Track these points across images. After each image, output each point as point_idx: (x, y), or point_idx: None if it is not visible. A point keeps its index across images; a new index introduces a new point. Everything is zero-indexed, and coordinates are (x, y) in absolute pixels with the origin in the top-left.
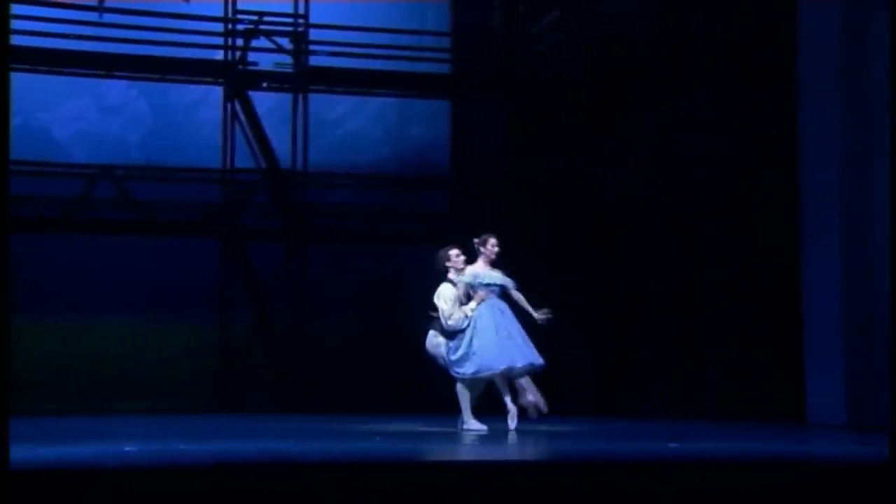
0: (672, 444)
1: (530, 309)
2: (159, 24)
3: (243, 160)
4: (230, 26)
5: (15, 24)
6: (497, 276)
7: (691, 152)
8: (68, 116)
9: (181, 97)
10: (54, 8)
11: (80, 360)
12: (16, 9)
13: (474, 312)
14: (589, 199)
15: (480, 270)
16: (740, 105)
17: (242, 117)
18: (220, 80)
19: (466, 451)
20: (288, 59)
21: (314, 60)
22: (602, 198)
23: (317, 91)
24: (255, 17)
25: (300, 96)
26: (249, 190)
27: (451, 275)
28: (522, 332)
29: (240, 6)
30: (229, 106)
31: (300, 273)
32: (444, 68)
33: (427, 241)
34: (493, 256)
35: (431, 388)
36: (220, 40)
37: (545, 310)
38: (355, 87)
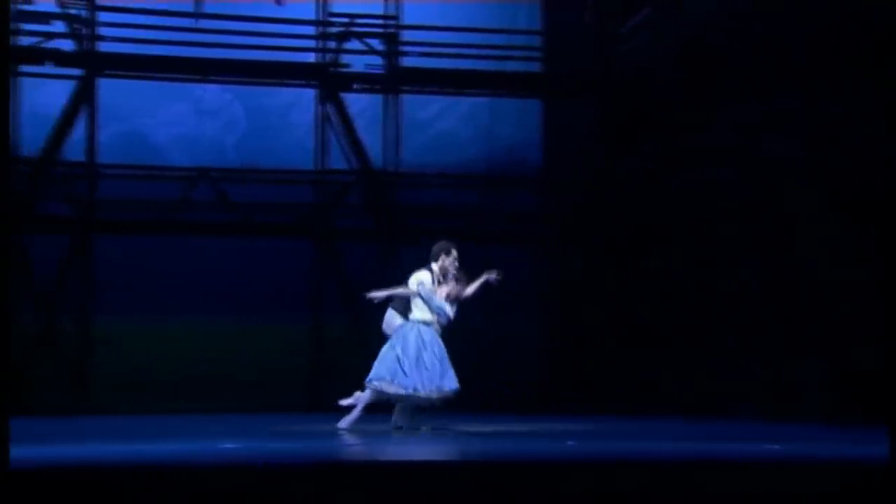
0: (775, 446)
1: (479, 282)
2: (253, 29)
3: (336, 161)
4: (323, 29)
5: (115, 31)
6: (450, 311)
7: (779, 149)
8: (167, 121)
9: (275, 100)
10: (153, 16)
11: (178, 360)
12: (116, 17)
13: (405, 330)
14: (678, 197)
15: (442, 296)
16: (829, 101)
17: (335, 119)
18: (313, 83)
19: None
20: (380, 61)
21: (406, 61)
22: (692, 195)
23: (408, 92)
24: (347, 20)
25: (392, 97)
26: (342, 191)
27: (430, 269)
28: (442, 357)
29: (332, 9)
30: (322, 108)
31: (393, 273)
32: (535, 67)
33: (518, 241)
34: (450, 271)
35: (511, 387)
36: (312, 43)
37: (494, 271)
38: (447, 87)
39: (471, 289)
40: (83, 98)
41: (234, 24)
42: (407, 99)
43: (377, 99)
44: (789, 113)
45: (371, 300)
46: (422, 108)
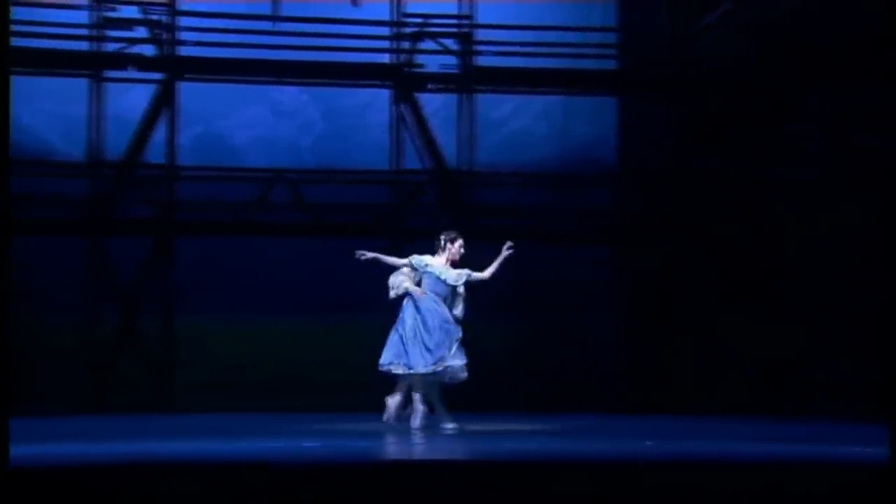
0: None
1: (500, 259)
2: (329, 30)
3: (411, 161)
4: (397, 30)
5: (194, 36)
6: (451, 276)
7: (864, 145)
8: (245, 123)
9: (350, 101)
10: (231, 19)
11: (255, 359)
12: (195, 21)
13: (403, 309)
14: (757, 195)
15: (437, 264)
16: None
17: (410, 119)
18: (388, 83)
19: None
20: (454, 60)
21: (480, 60)
22: (771, 194)
23: (482, 91)
24: (421, 20)
25: (466, 96)
26: (417, 190)
27: (437, 256)
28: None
29: (407, 9)
30: (397, 108)
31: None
32: (610, 65)
33: (593, 240)
34: (457, 258)
35: (588, 386)
36: (387, 44)
37: (508, 244)
38: (521, 85)
39: (491, 269)
40: (164, 102)
41: (310, 26)
42: (481, 98)
43: (451, 98)
44: (877, 108)
45: (359, 257)
46: (496, 107)
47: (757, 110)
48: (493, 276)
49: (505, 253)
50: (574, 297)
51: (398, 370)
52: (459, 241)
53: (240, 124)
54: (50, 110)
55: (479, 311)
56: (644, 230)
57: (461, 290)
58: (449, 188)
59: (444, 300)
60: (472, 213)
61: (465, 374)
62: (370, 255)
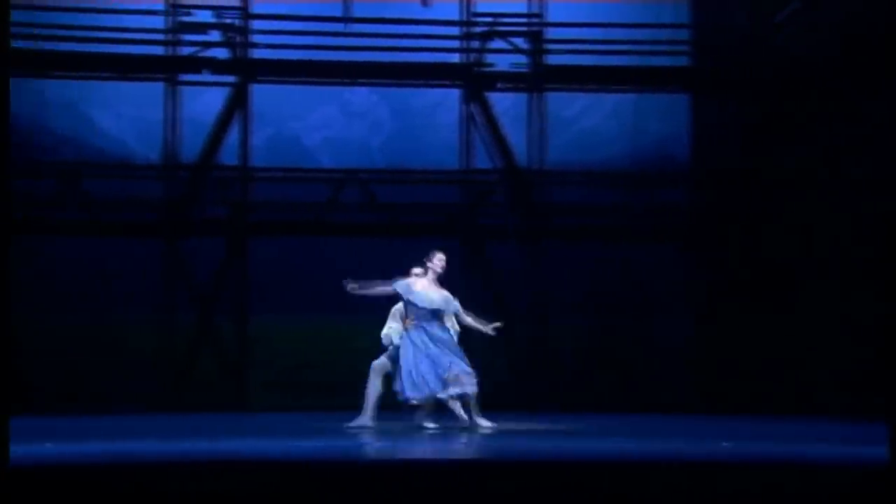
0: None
1: (479, 326)
2: (400, 31)
3: (481, 161)
4: (467, 29)
5: (267, 38)
6: (435, 300)
7: None
8: (316, 124)
9: (420, 101)
10: (303, 21)
11: (328, 359)
12: (267, 24)
13: (402, 338)
14: (834, 193)
15: (420, 288)
16: None
17: (480, 118)
18: (458, 83)
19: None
20: (524, 59)
21: (550, 59)
22: (850, 192)
23: (553, 89)
24: (491, 19)
25: (536, 95)
26: (488, 190)
27: (421, 273)
28: (431, 360)
29: (476, 9)
30: (467, 107)
31: (539, 271)
32: (682, 62)
33: (666, 238)
34: (440, 271)
35: (660, 385)
36: (457, 43)
37: (496, 324)
38: (592, 83)
39: (469, 321)
40: (237, 104)
41: (381, 27)
42: (551, 97)
43: (521, 97)
44: None
45: (347, 288)
46: (566, 106)
47: (831, 109)
48: (465, 326)
49: (488, 328)
50: (646, 296)
51: (421, 397)
52: (438, 255)
53: (311, 125)
54: (128, 114)
55: (552, 310)
56: (717, 228)
57: (451, 309)
58: (519, 187)
59: (436, 317)
60: (543, 211)
61: (473, 388)
62: (356, 285)
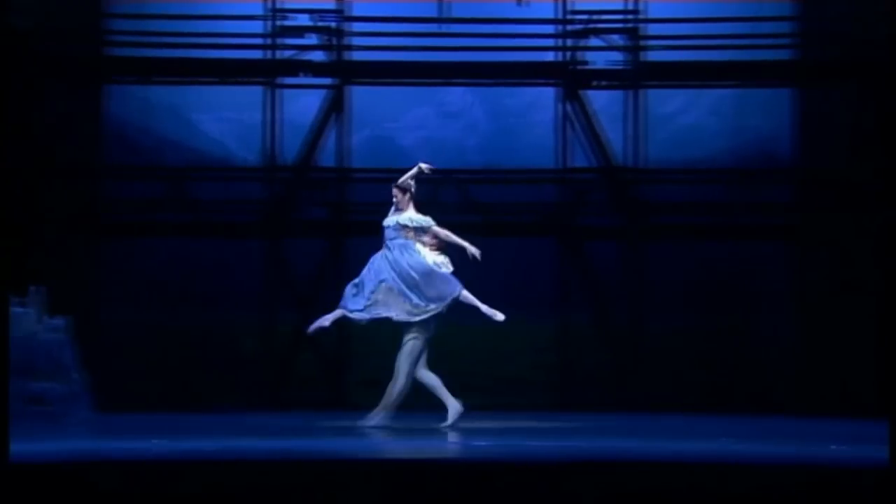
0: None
1: (463, 242)
2: (495, 30)
3: (579, 159)
4: (563, 27)
5: (364, 41)
6: (422, 219)
7: None
8: (412, 125)
9: (516, 100)
10: (399, 23)
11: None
12: (364, 26)
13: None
14: None
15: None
16: None
17: (577, 116)
18: (555, 81)
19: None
20: (621, 56)
21: (648, 56)
22: None
23: (651, 86)
24: (587, 16)
25: (634, 92)
26: (585, 189)
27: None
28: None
29: (573, 6)
30: (563, 106)
31: (639, 270)
32: (785, 55)
33: (770, 235)
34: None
35: (764, 384)
36: (553, 41)
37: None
38: (691, 80)
39: (454, 239)
40: (335, 106)
41: (476, 26)
42: (649, 94)
43: (619, 95)
44: None
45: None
46: (665, 103)
47: None
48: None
49: (469, 247)
50: (748, 295)
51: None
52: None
53: (407, 126)
54: (229, 117)
55: (652, 309)
56: (821, 226)
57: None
58: (617, 185)
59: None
60: (643, 210)
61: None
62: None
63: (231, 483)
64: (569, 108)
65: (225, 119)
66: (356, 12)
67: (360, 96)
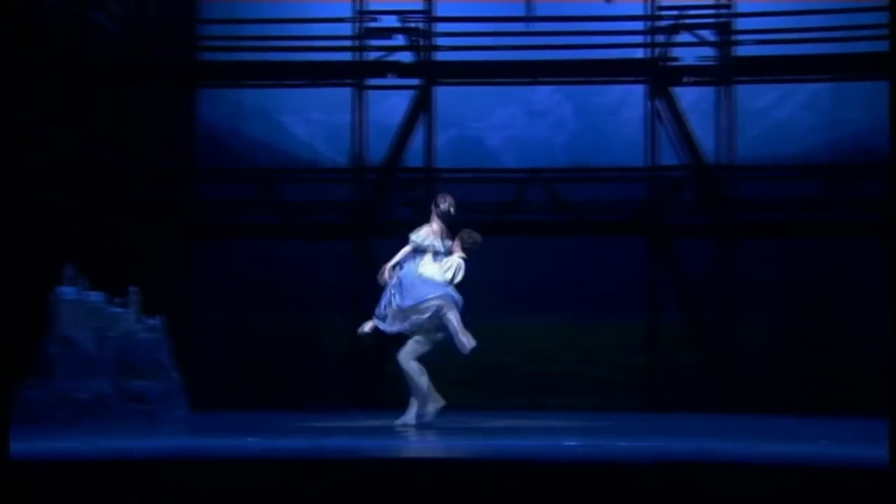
0: None
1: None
2: (582, 28)
3: (668, 157)
4: (652, 23)
5: (450, 41)
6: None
7: None
8: (499, 124)
9: (604, 98)
10: (486, 23)
11: (512, 358)
12: (450, 27)
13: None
14: None
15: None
16: None
17: (666, 114)
18: (643, 79)
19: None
20: (712, 52)
21: (740, 50)
22: None
23: (743, 82)
24: (676, 12)
25: (725, 88)
26: (675, 187)
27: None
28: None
29: (661, 2)
30: (652, 103)
31: (730, 269)
32: (882, 47)
33: (867, 232)
34: (447, 215)
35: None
36: (641, 38)
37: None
38: (784, 74)
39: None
40: (421, 106)
41: (563, 24)
42: (741, 89)
43: (709, 91)
44: None
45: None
46: (757, 98)
47: None
48: None
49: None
50: (844, 293)
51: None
52: (439, 197)
53: (494, 125)
54: (317, 119)
55: (744, 308)
56: None
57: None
58: (708, 183)
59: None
60: (734, 208)
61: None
62: (388, 266)
63: (323, 481)
64: (658, 104)
65: (314, 121)
66: (442, 13)
67: (447, 96)
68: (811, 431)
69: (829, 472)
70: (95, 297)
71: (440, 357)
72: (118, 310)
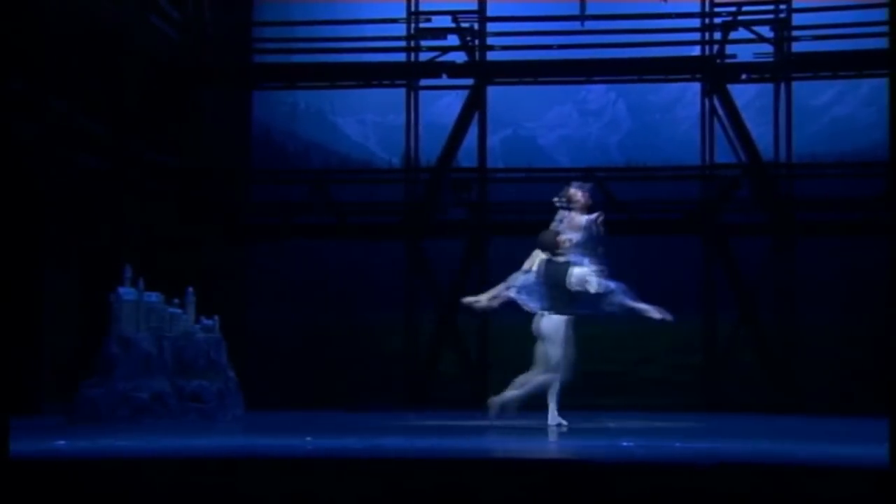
0: None
1: None
2: (637, 26)
3: (724, 155)
4: (708, 21)
5: (503, 41)
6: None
7: None
8: (552, 123)
9: (658, 96)
10: (539, 21)
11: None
12: (503, 26)
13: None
14: None
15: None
16: None
17: (722, 111)
18: (698, 76)
19: None
20: (769, 48)
21: (797, 47)
22: None
23: (800, 78)
24: (733, 9)
25: (782, 85)
26: (731, 185)
27: (561, 258)
28: None
29: None
30: (708, 101)
31: (787, 267)
32: None
33: None
34: (583, 207)
35: None
36: (697, 36)
37: None
38: (843, 70)
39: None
40: (474, 106)
41: (617, 23)
42: (798, 86)
43: (766, 88)
44: None
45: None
46: (815, 95)
47: None
48: None
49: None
50: (866, 293)
51: None
52: (572, 189)
53: (547, 125)
54: (370, 120)
55: (802, 307)
56: None
57: None
58: (764, 181)
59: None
60: (791, 206)
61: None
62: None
63: (379, 481)
64: (713, 102)
65: (367, 122)
66: (495, 12)
67: (500, 96)
68: (871, 432)
69: (829, 472)
70: (153, 297)
71: (487, 358)
72: (175, 310)
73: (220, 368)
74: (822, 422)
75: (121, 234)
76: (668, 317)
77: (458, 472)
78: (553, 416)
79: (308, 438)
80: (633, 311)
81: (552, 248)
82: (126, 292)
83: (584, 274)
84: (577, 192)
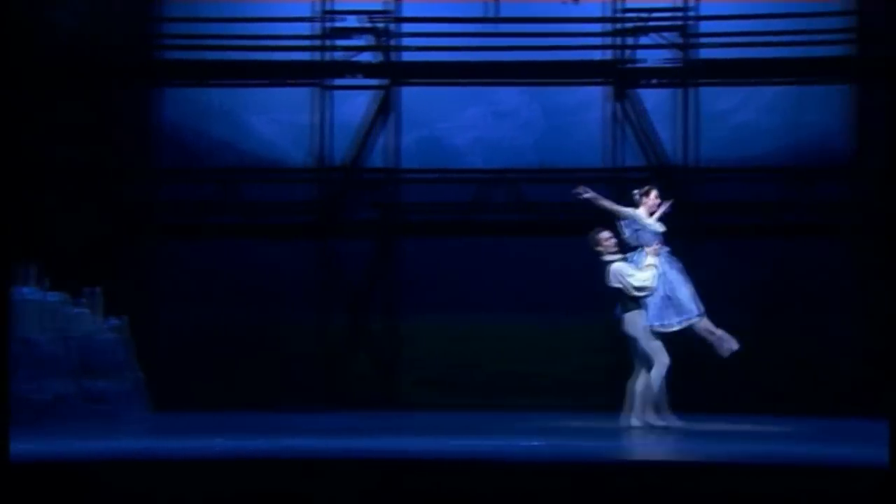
0: None
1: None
2: (547, 30)
3: (630, 158)
4: (616, 25)
5: (415, 41)
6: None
7: None
8: (465, 125)
9: (569, 98)
10: (450, 23)
11: (476, 358)
12: (416, 27)
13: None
14: None
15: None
16: None
17: (630, 115)
18: (607, 80)
19: None
20: (675, 54)
21: (703, 53)
22: None
23: (706, 84)
24: (644, 14)
25: (687, 91)
26: (636, 188)
27: (605, 257)
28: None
29: (623, 4)
30: (617, 105)
31: (695, 269)
32: (842, 51)
33: (828, 233)
34: (655, 209)
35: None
36: (607, 40)
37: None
38: (747, 77)
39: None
40: (385, 107)
41: (528, 25)
42: (704, 91)
43: (672, 93)
44: None
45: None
46: (719, 101)
47: None
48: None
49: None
50: (808, 295)
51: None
52: (655, 192)
53: (460, 126)
54: (281, 119)
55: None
56: (882, 223)
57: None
58: (670, 184)
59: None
60: (696, 209)
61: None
62: (590, 194)
63: (289, 482)
64: (620, 106)
65: (277, 121)
66: (405, 13)
67: (413, 97)
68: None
69: (828, 472)
70: (55, 297)
71: (399, 357)
72: (79, 310)
73: (123, 369)
74: (723, 421)
75: (26, 233)
76: (735, 346)
77: (376, 472)
78: (644, 418)
79: (218, 440)
80: (705, 337)
81: (594, 247)
82: (26, 292)
83: (619, 270)
84: (651, 192)
